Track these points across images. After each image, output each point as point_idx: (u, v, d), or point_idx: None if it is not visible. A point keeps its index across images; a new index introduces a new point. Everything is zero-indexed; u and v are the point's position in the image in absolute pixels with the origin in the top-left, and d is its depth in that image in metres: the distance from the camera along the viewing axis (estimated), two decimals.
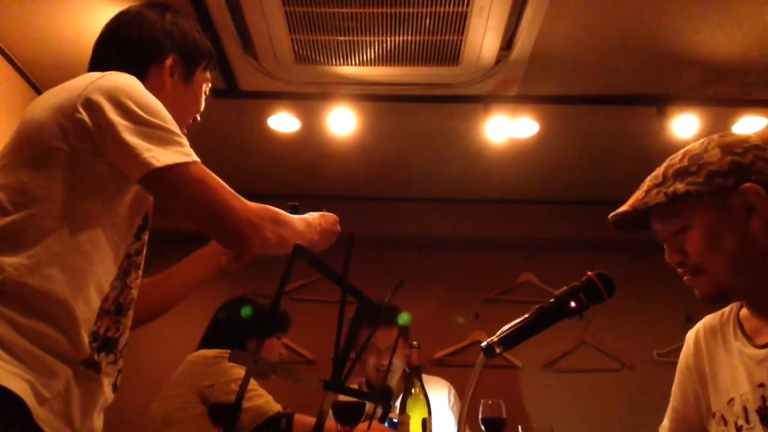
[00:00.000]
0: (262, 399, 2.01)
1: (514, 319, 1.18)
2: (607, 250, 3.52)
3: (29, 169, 1.19)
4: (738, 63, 2.61)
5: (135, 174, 1.20)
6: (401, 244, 3.94)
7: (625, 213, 1.30)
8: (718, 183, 1.20)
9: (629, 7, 2.34)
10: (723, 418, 1.29)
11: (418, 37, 2.45)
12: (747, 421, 1.22)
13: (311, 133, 3.07)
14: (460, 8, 2.30)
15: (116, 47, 1.41)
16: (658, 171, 1.29)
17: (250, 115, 3.01)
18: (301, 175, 3.59)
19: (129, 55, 1.39)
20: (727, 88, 2.77)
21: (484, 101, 2.85)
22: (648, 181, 1.30)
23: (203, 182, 1.24)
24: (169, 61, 1.42)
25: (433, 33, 2.42)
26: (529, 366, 3.83)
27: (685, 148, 1.29)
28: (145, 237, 1.37)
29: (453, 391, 2.89)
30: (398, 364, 2.62)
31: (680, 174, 1.23)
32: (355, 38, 2.45)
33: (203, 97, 1.52)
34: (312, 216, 1.53)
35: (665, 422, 1.46)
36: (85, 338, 1.19)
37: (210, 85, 1.54)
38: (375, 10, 2.31)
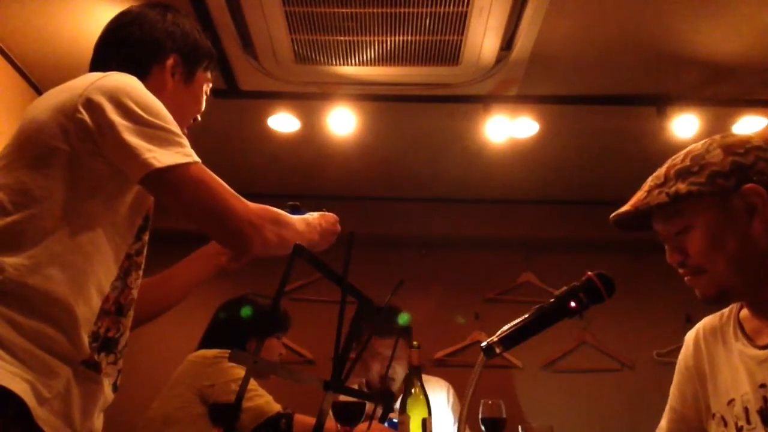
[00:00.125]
0: (262, 399, 2.01)
1: (514, 319, 1.18)
2: (607, 250, 3.52)
3: (30, 169, 1.19)
4: (738, 63, 2.61)
5: (135, 174, 1.20)
6: (401, 244, 3.94)
7: (626, 213, 1.30)
8: (720, 183, 1.20)
9: (629, 7, 2.34)
10: (723, 419, 1.29)
11: (418, 37, 2.45)
12: (748, 421, 1.22)
13: (311, 133, 3.07)
14: (460, 8, 2.29)
15: (117, 47, 1.41)
16: (660, 171, 1.29)
17: (250, 115, 3.01)
18: (301, 175, 3.59)
19: (130, 56, 1.39)
20: (727, 88, 2.77)
21: (484, 101, 2.85)
22: (650, 182, 1.30)
23: (204, 183, 1.24)
24: (170, 62, 1.42)
25: (433, 33, 2.42)
26: (529, 366, 3.83)
27: (687, 149, 1.29)
28: (146, 237, 1.37)
29: (452, 390, 2.90)
30: (401, 371, 2.60)
31: (682, 174, 1.23)
32: (355, 38, 2.45)
33: (204, 97, 1.52)
34: (312, 216, 1.53)
35: (663, 423, 1.46)
36: (85, 338, 1.19)
37: (211, 85, 1.54)
38: (375, 10, 2.31)
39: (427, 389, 1.82)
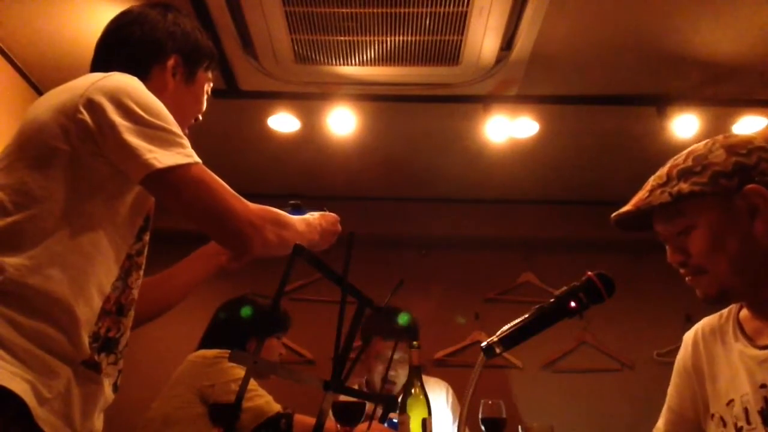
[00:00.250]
0: (262, 399, 2.01)
1: (514, 319, 1.18)
2: (607, 250, 3.52)
3: (30, 169, 1.19)
4: (738, 63, 2.61)
5: (136, 175, 1.20)
6: (401, 244, 3.95)
7: (628, 213, 1.30)
8: (723, 184, 1.20)
9: (629, 7, 2.34)
10: (722, 419, 1.29)
11: (418, 37, 2.45)
12: (748, 422, 1.22)
13: (311, 133, 3.07)
14: (460, 8, 2.30)
15: (118, 47, 1.41)
16: (662, 171, 1.29)
17: (250, 115, 3.01)
18: (301, 175, 3.59)
19: (131, 56, 1.39)
20: (727, 88, 2.77)
21: (484, 101, 2.85)
22: (651, 181, 1.30)
23: (204, 183, 1.24)
24: (171, 62, 1.42)
25: (433, 33, 2.42)
26: (529, 366, 3.83)
27: (689, 149, 1.29)
28: (147, 237, 1.37)
29: (451, 391, 2.90)
30: (402, 375, 2.59)
31: (685, 174, 1.23)
32: (355, 38, 2.45)
33: (205, 96, 1.52)
34: (313, 216, 1.53)
35: (660, 424, 1.45)
36: (86, 338, 1.19)
37: (212, 84, 1.54)
38: (375, 10, 2.31)
39: (426, 390, 1.81)
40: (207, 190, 1.24)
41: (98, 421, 1.28)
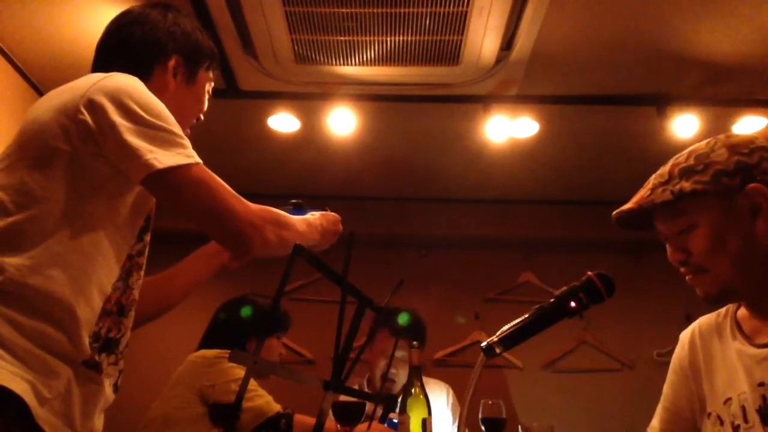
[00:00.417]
0: (262, 399, 2.01)
1: (514, 319, 1.18)
2: (607, 250, 3.53)
3: (31, 169, 1.19)
4: (738, 63, 2.61)
5: (137, 175, 1.20)
6: (401, 244, 3.95)
7: (629, 210, 1.30)
8: (725, 183, 1.20)
9: (629, 7, 2.34)
10: (719, 417, 1.29)
11: (418, 37, 2.45)
12: (745, 420, 1.22)
13: (311, 133, 3.08)
14: (460, 8, 2.30)
15: (119, 48, 1.41)
16: (664, 169, 1.29)
17: (250, 115, 3.01)
18: (301, 175, 3.59)
19: (132, 56, 1.39)
20: (727, 88, 2.77)
21: (484, 101, 2.86)
22: (653, 180, 1.30)
23: (205, 183, 1.24)
24: (172, 62, 1.42)
25: (433, 33, 2.43)
26: (529, 366, 3.83)
27: (691, 148, 1.29)
28: (147, 238, 1.37)
29: (452, 392, 2.90)
30: (403, 375, 2.59)
31: (687, 173, 1.23)
32: (355, 38, 2.45)
33: (206, 96, 1.52)
34: (313, 216, 1.53)
35: (654, 422, 1.45)
36: (86, 339, 1.19)
37: (213, 84, 1.54)
38: (375, 10, 2.31)
39: (426, 391, 1.81)
40: (207, 190, 1.24)
41: (98, 421, 1.28)
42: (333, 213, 1.61)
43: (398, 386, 2.60)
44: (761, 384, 1.20)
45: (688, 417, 1.39)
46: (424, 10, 2.30)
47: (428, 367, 3.55)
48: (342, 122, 2.91)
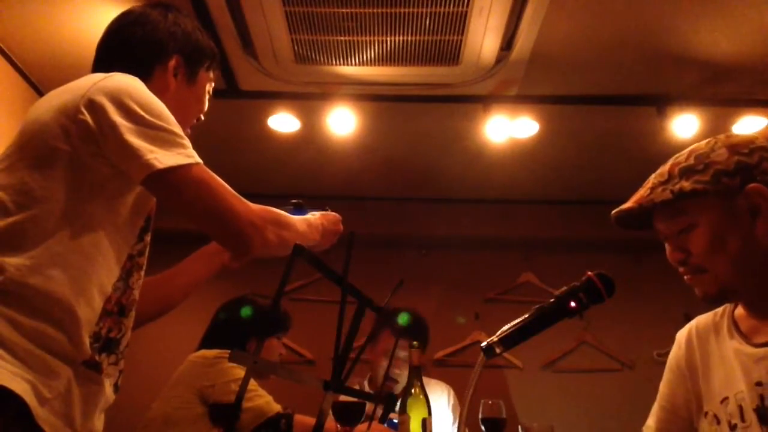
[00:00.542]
0: (262, 399, 2.01)
1: (514, 319, 1.18)
2: (607, 250, 3.52)
3: (31, 169, 1.19)
4: (738, 63, 2.61)
5: (137, 175, 1.20)
6: (401, 244, 3.95)
7: (629, 210, 1.30)
8: (725, 182, 1.20)
9: (629, 7, 2.34)
10: (716, 417, 1.29)
11: (418, 37, 2.45)
12: (742, 419, 1.22)
13: (311, 133, 3.08)
14: (460, 8, 2.30)
15: (120, 48, 1.41)
16: (663, 169, 1.29)
17: (250, 115, 3.01)
18: (301, 175, 3.60)
19: (133, 56, 1.39)
20: (727, 88, 2.77)
21: (484, 101, 2.86)
22: (653, 179, 1.30)
23: (205, 183, 1.24)
24: (172, 62, 1.42)
25: (433, 33, 2.43)
26: (529, 366, 3.83)
27: (691, 147, 1.29)
28: (148, 238, 1.37)
29: (452, 393, 2.90)
30: (405, 375, 2.59)
31: (687, 172, 1.24)
32: (355, 38, 2.46)
33: (207, 96, 1.52)
34: (314, 216, 1.53)
35: (650, 422, 1.45)
36: (86, 339, 1.19)
37: (213, 84, 1.54)
38: (375, 10, 2.31)
39: (428, 392, 1.81)
40: (208, 190, 1.24)
41: (99, 421, 1.28)
42: (333, 213, 1.61)
43: (401, 386, 2.60)
44: (759, 383, 1.20)
45: (684, 416, 1.38)
46: (424, 10, 2.31)
47: (428, 367, 3.55)
48: (342, 122, 2.91)
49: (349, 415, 1.41)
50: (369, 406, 1.46)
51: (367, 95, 2.82)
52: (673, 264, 1.30)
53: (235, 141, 3.25)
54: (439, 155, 3.37)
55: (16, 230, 1.16)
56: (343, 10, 2.32)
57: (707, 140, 1.28)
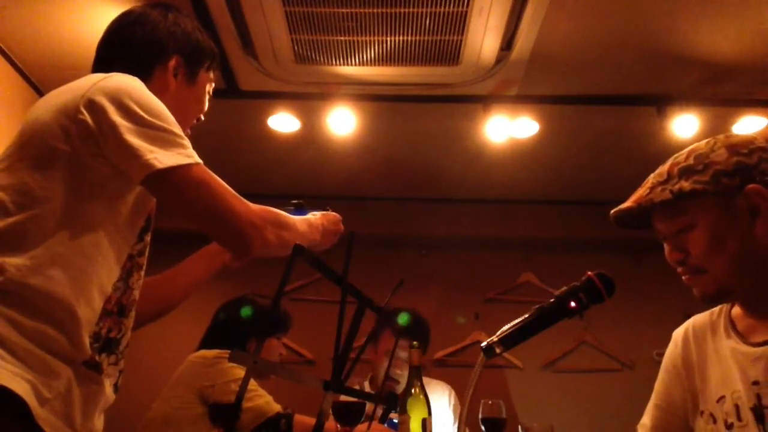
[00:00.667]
0: (262, 399, 2.01)
1: (514, 319, 1.18)
2: (607, 250, 3.53)
3: (32, 170, 1.20)
4: (738, 63, 2.61)
5: (137, 175, 1.20)
6: (401, 244, 3.95)
7: (628, 209, 1.30)
8: (724, 183, 1.20)
9: (629, 7, 2.34)
10: (712, 416, 1.29)
11: (418, 37, 2.45)
12: (739, 419, 1.22)
13: (311, 133, 3.08)
14: (460, 8, 2.30)
15: (120, 48, 1.41)
16: (663, 169, 1.29)
17: (250, 115, 3.01)
18: (301, 175, 3.60)
19: (133, 56, 1.39)
20: (727, 88, 2.77)
21: (484, 101, 2.86)
22: (652, 179, 1.30)
23: (205, 183, 1.24)
24: (172, 62, 1.42)
25: (433, 33, 2.43)
26: (529, 366, 3.83)
27: (690, 147, 1.29)
28: (148, 238, 1.37)
29: (453, 393, 2.90)
30: (405, 376, 2.59)
31: (686, 172, 1.24)
32: (355, 38, 2.46)
33: (207, 96, 1.52)
34: (314, 216, 1.52)
35: (645, 420, 1.45)
36: (87, 339, 1.19)
37: (213, 84, 1.54)
38: (375, 10, 2.31)
39: (428, 392, 1.81)
40: (208, 190, 1.24)
41: (99, 421, 1.28)
42: (334, 213, 1.61)
43: (402, 386, 2.59)
44: (755, 382, 1.20)
45: (680, 415, 1.38)
46: (424, 10, 2.31)
47: (428, 367, 3.55)
48: (342, 122, 2.91)
49: (349, 415, 1.41)
50: (369, 406, 1.46)
51: (367, 95, 2.82)
52: (671, 264, 1.30)
53: (235, 141, 3.25)
54: (439, 155, 3.37)
55: (16, 230, 1.16)
56: (343, 10, 2.32)
57: (707, 140, 1.28)
